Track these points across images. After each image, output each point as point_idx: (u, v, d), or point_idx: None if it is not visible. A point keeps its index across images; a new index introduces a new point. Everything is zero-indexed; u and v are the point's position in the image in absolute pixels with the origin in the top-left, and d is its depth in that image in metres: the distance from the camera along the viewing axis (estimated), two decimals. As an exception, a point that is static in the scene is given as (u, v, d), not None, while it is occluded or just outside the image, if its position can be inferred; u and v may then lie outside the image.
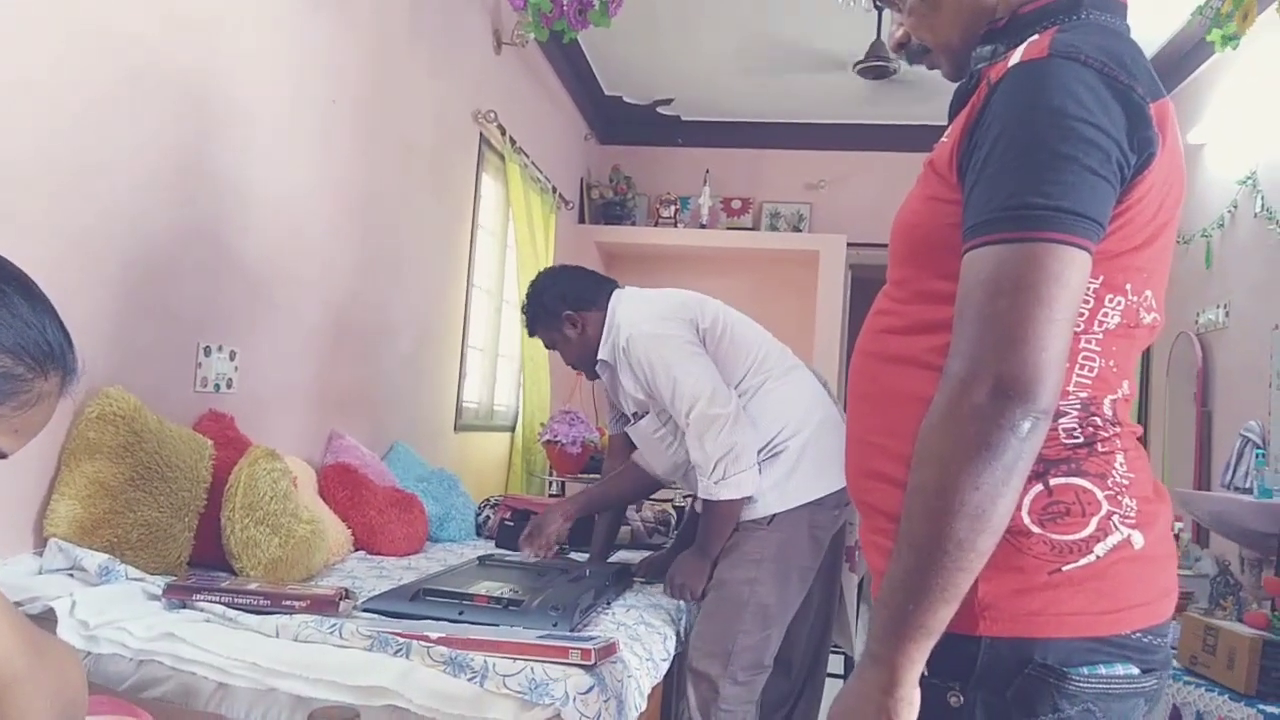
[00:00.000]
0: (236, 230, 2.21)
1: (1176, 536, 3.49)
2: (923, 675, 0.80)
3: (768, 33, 4.40)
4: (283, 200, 2.39)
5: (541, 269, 2.45)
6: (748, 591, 1.98)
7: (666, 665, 1.94)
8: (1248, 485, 3.30)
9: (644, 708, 1.64)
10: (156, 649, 1.39)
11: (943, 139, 0.92)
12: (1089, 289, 0.83)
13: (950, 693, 0.82)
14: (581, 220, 5.50)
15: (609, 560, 2.43)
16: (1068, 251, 0.77)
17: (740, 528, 2.03)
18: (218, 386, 2.16)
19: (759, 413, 2.04)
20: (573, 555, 2.52)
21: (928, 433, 0.80)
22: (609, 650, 1.49)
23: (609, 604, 2.04)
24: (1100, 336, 0.85)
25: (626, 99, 5.44)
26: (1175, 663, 2.25)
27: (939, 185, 0.89)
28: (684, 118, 5.64)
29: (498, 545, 2.69)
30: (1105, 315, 0.85)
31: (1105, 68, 0.80)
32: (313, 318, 2.58)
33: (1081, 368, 0.85)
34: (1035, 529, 0.83)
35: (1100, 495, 0.84)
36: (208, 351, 2.13)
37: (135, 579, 1.60)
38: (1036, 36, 0.86)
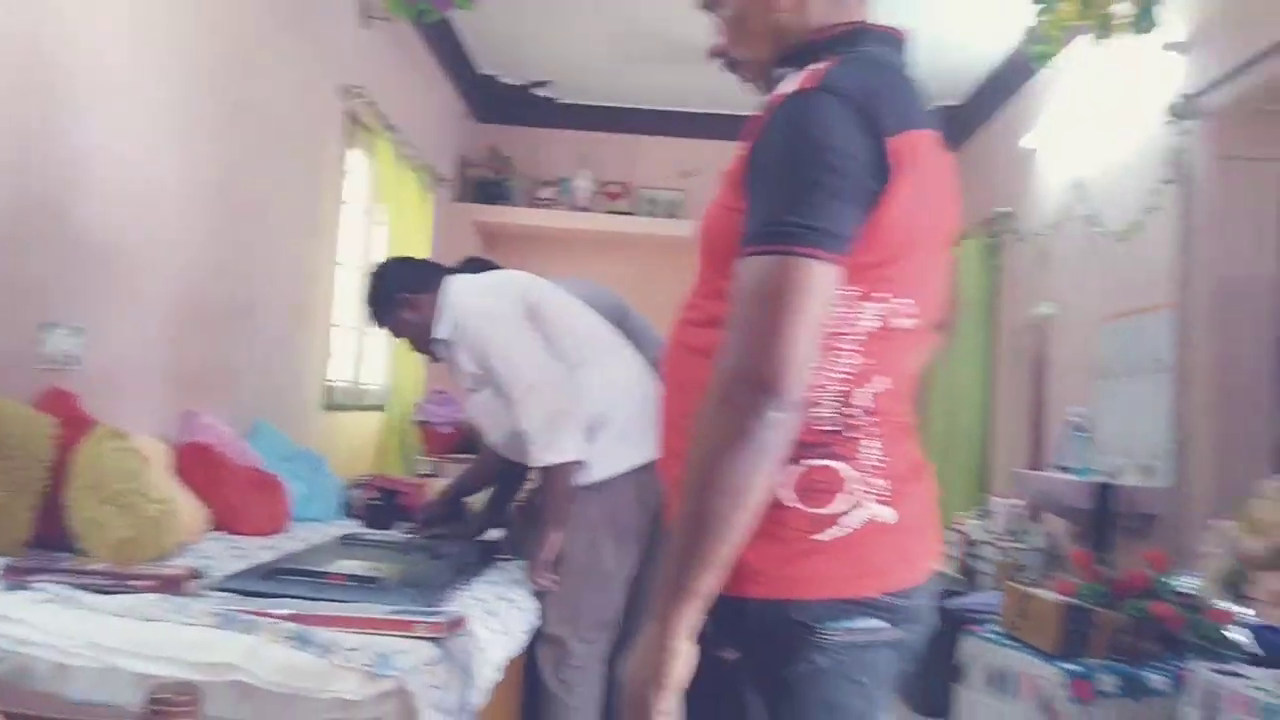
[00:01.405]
0: (80, 201, 2.13)
1: (1014, 513, 3.79)
2: (702, 633, 0.90)
3: (640, 19, 4.44)
4: (133, 170, 2.31)
5: (380, 260, 2.54)
6: (586, 556, 2.09)
7: (528, 639, 2.01)
8: (1070, 465, 3.61)
9: (497, 679, 1.69)
10: (-11, 631, 1.35)
11: (739, 150, 1.00)
12: (846, 296, 0.93)
13: (724, 648, 0.93)
14: (458, 199, 5.46)
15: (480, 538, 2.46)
16: (816, 265, 0.88)
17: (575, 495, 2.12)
18: (61, 364, 2.08)
19: (585, 386, 2.13)
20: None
21: (697, 420, 0.90)
22: (457, 624, 1.53)
23: (470, 581, 2.08)
24: (858, 337, 0.95)
25: (501, 79, 5.42)
26: (998, 628, 2.46)
27: (731, 195, 0.98)
28: (561, 100, 5.65)
29: (364, 525, 2.69)
30: (862, 319, 0.95)
31: (858, 102, 0.91)
32: (168, 293, 2.50)
33: (838, 364, 0.95)
34: (795, 504, 0.93)
35: (850, 475, 0.95)
36: (50, 327, 2.05)
37: (-33, 561, 1.54)
38: (814, 67, 0.96)
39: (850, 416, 0.95)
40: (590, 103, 5.66)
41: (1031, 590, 2.38)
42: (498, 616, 1.87)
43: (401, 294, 2.24)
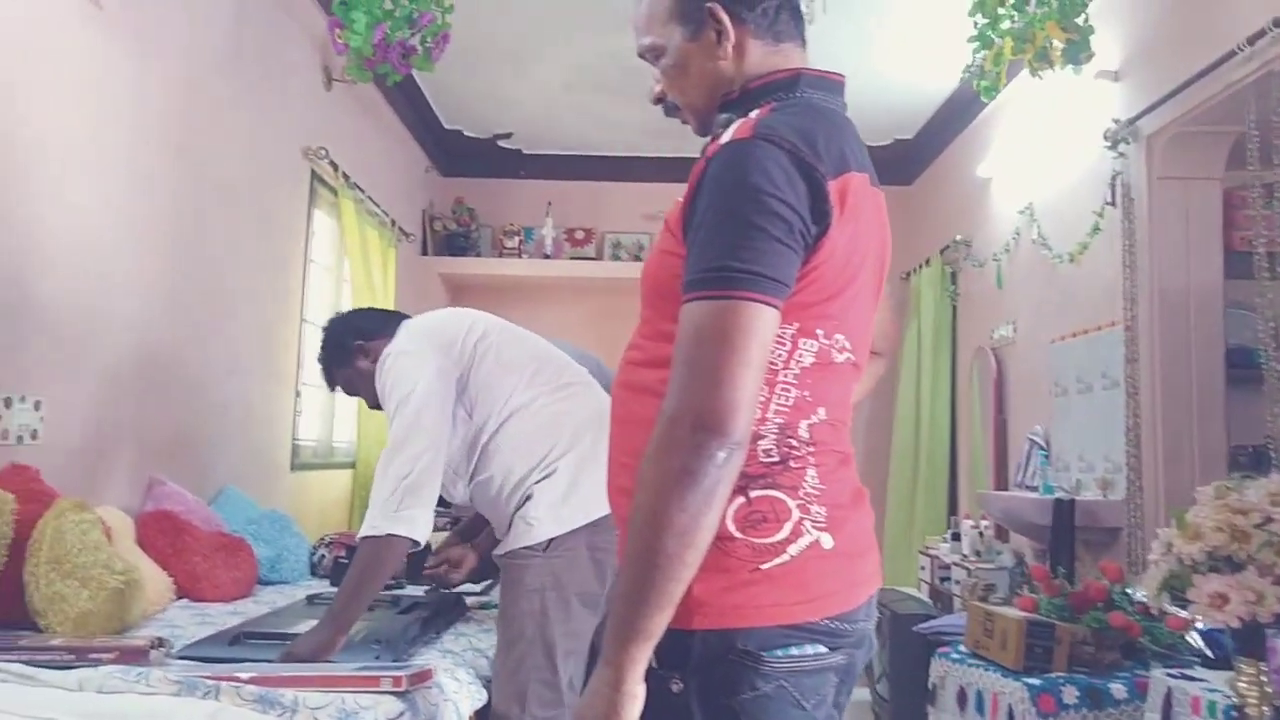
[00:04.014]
0: (35, 274, 2.16)
1: (981, 534, 3.83)
2: (650, 666, 0.92)
3: (600, 69, 4.55)
4: (88, 240, 2.34)
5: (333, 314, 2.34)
6: (532, 626, 1.86)
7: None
8: (1034, 484, 3.67)
9: (464, 730, 1.71)
10: (-54, 713, 1.36)
11: (677, 198, 1.05)
12: (785, 334, 0.98)
13: (672, 680, 0.94)
14: (425, 253, 5.52)
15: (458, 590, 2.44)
16: (758, 308, 0.91)
17: (516, 556, 1.92)
18: (20, 438, 2.09)
19: (528, 432, 1.97)
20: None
21: (645, 461, 0.92)
22: (422, 676, 1.55)
23: (438, 634, 2.09)
24: (796, 372, 1.00)
25: (466, 133, 5.51)
26: (962, 647, 2.49)
27: (670, 241, 1.03)
28: (525, 150, 5.75)
29: (332, 584, 2.69)
30: (801, 355, 1.00)
31: (794, 149, 0.95)
32: (128, 362, 2.52)
33: (779, 398, 0.99)
34: (738, 535, 0.96)
35: (792, 504, 0.98)
36: (8, 403, 2.06)
37: (-76, 643, 1.55)
38: (751, 115, 1.01)
39: (791, 448, 0.99)
40: (554, 151, 5.76)
41: (993, 608, 2.42)
42: (466, 668, 1.88)
43: (356, 341, 2.10)
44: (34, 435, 2.14)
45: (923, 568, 4.22)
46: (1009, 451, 4.20)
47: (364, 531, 1.80)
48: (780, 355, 0.98)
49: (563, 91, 4.86)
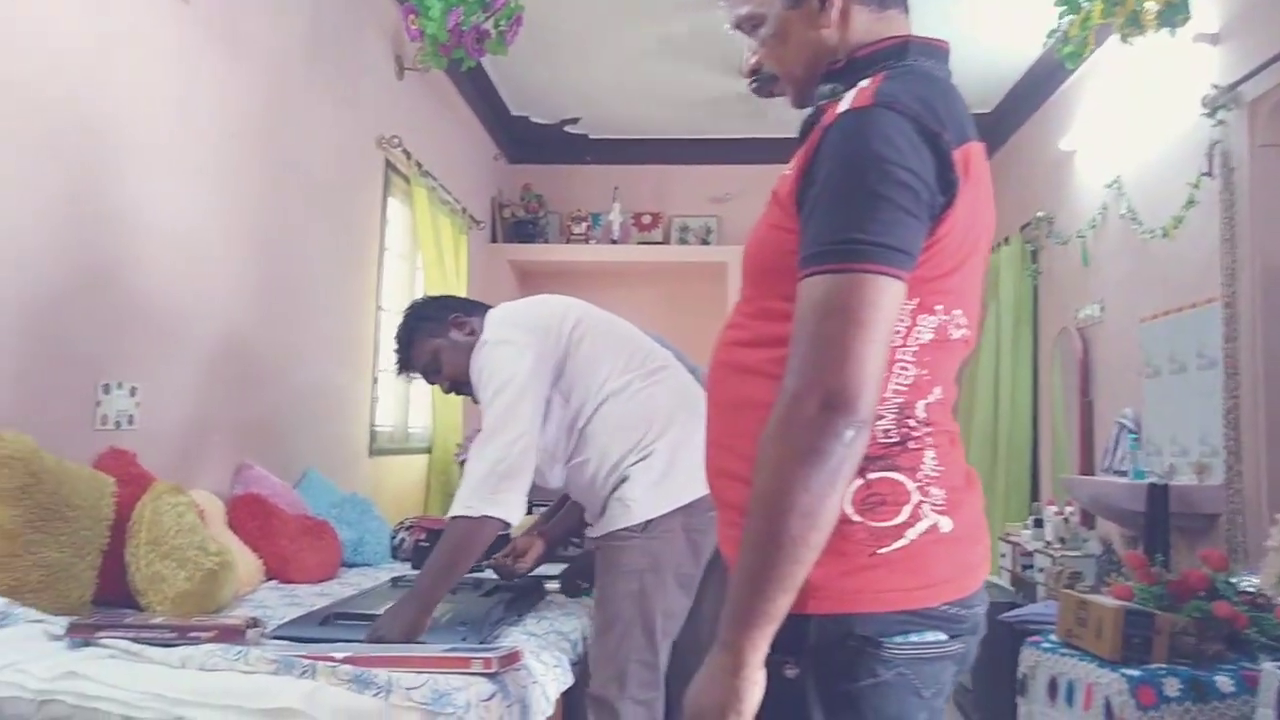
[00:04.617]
0: (132, 265, 2.22)
1: (1066, 520, 3.72)
2: None
3: (667, 52, 4.53)
4: (179, 233, 2.40)
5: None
6: (631, 607, 1.88)
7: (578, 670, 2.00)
8: (1124, 468, 3.53)
9: (551, 712, 1.71)
10: (58, 688, 1.40)
11: (785, 171, 1.01)
12: (905, 309, 0.94)
13: (786, 665, 0.91)
14: (494, 240, 5.56)
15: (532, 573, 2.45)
16: (885, 281, 0.88)
17: (614, 538, 1.93)
18: (119, 424, 2.16)
19: (623, 415, 1.98)
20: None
21: (766, 441, 0.89)
22: (512, 658, 1.55)
23: (520, 616, 2.10)
24: (915, 349, 0.96)
25: (534, 119, 5.53)
26: (1053, 637, 2.41)
27: (781, 215, 0.99)
28: (591, 136, 5.74)
29: (413, 566, 2.73)
30: (919, 332, 0.96)
31: (918, 116, 0.91)
32: (216, 350, 2.59)
33: (898, 377, 0.95)
34: (856, 518, 0.93)
35: (911, 486, 0.95)
36: (107, 389, 2.13)
37: (35, 620, 1.60)
38: (865, 83, 0.97)
39: (909, 428, 0.96)
40: (620, 136, 5.74)
41: (1088, 597, 2.33)
42: (551, 650, 1.89)
43: (454, 314, 2.09)
44: (130, 420, 2.20)
45: (1004, 555, 4.11)
46: (1095, 435, 4.06)
47: (457, 511, 1.80)
48: (900, 332, 0.95)
49: (629, 75, 4.83)
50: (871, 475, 0.94)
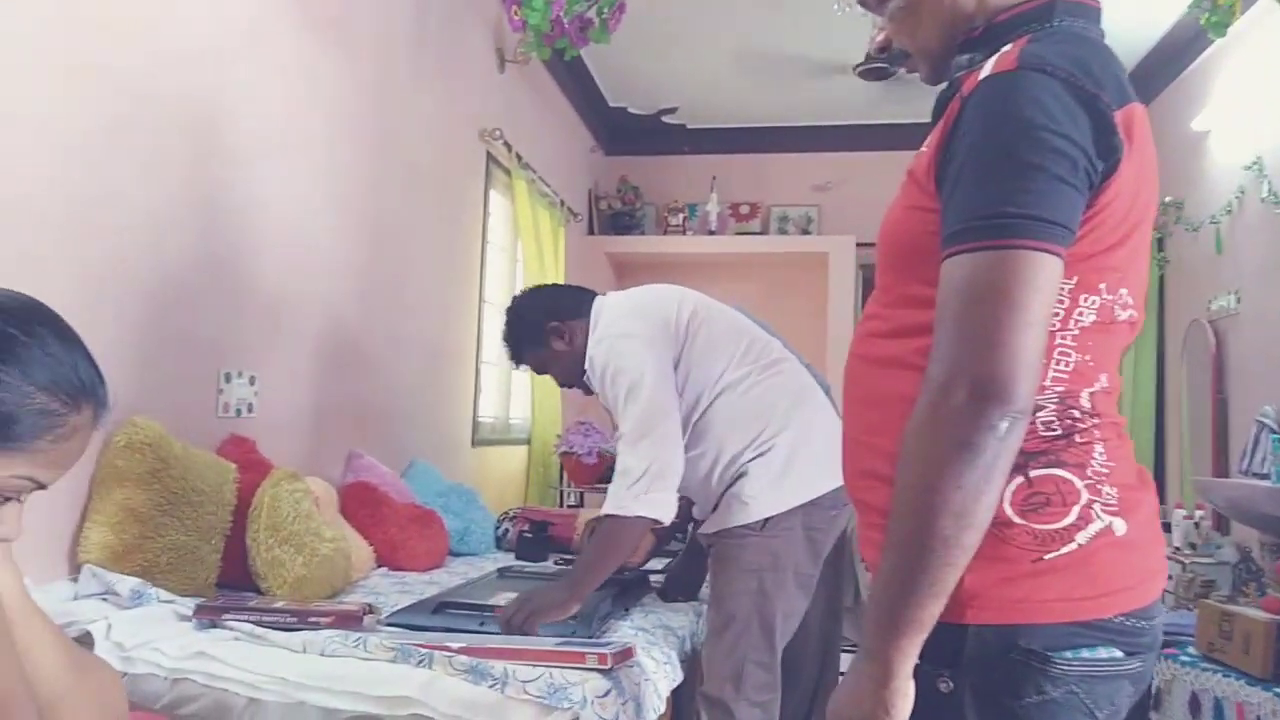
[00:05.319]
0: (250, 256, 2.27)
1: (1197, 525, 3.50)
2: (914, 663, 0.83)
3: (767, 39, 4.45)
4: (292, 225, 2.45)
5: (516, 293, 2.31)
6: (749, 605, 1.84)
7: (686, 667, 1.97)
8: (1265, 471, 3.29)
9: (663, 710, 1.67)
10: (189, 668, 1.44)
11: (922, 149, 0.94)
12: (1064, 289, 0.85)
13: (940, 679, 0.85)
14: (591, 232, 5.56)
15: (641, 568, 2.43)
16: (1040, 257, 0.80)
17: (730, 535, 1.89)
18: (239, 411, 2.22)
19: (741, 408, 1.93)
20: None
21: (911, 434, 0.82)
22: (626, 654, 1.53)
23: (627, 610, 2.07)
24: (1076, 333, 0.88)
25: (631, 110, 5.50)
26: (1193, 650, 2.26)
27: (919, 194, 0.92)
28: (689, 126, 5.68)
29: (517, 557, 2.74)
30: (1080, 314, 0.87)
31: (1071, 77, 0.83)
32: (326, 341, 2.64)
33: (1058, 363, 0.87)
34: (1018, 520, 0.85)
35: (1080, 484, 0.86)
36: (228, 378, 2.19)
37: (166, 601, 1.65)
38: (1008, 48, 0.89)
39: (1074, 419, 0.87)
40: (718, 125, 5.66)
41: (1232, 608, 2.17)
42: (660, 646, 1.85)
43: (551, 322, 2.06)
44: (250, 408, 2.26)
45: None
46: (1230, 435, 3.80)
47: (611, 510, 1.81)
48: (1059, 314, 0.86)
49: (727, 64, 4.76)
50: (1034, 473, 0.86)
